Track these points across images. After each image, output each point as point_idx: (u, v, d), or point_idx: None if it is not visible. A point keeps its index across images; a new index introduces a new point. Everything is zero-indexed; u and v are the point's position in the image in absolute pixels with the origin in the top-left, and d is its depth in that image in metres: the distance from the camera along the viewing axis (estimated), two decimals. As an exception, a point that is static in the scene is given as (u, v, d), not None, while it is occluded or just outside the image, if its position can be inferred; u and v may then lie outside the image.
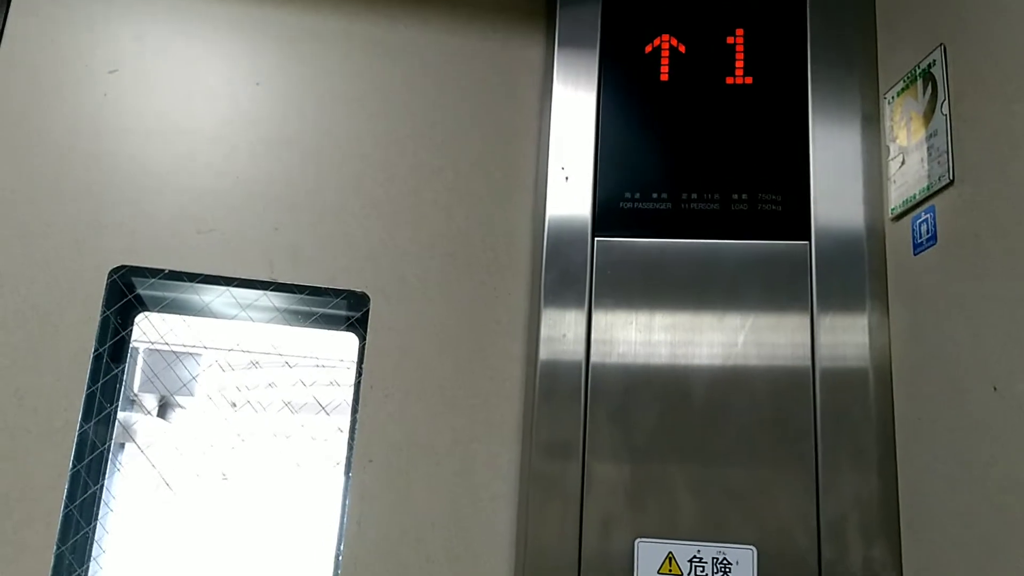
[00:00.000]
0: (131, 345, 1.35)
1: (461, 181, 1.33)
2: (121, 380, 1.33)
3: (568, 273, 1.20)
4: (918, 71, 1.13)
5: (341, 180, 1.32)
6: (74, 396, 1.21)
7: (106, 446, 1.29)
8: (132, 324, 1.36)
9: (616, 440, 1.15)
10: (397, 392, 1.26)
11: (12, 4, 1.34)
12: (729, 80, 1.24)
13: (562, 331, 1.18)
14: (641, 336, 1.17)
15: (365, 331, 1.31)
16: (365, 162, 1.34)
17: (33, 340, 1.23)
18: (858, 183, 1.19)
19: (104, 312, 1.25)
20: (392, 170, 1.33)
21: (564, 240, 1.20)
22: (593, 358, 1.16)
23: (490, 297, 1.29)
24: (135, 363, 1.53)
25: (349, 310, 1.34)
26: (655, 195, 1.21)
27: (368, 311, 1.30)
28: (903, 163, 1.14)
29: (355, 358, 1.34)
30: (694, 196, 1.20)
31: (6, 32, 1.34)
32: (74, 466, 1.20)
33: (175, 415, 1.77)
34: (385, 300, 1.28)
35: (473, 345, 1.27)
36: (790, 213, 1.19)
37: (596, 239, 1.20)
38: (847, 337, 1.15)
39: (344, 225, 1.31)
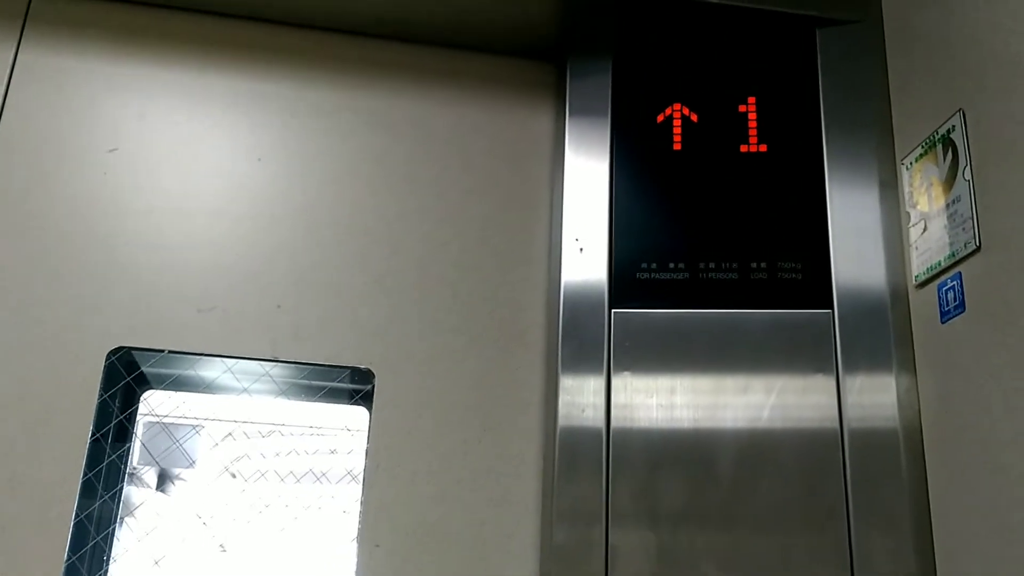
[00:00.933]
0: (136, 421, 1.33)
1: (468, 255, 1.32)
2: (125, 461, 1.29)
3: (586, 344, 1.17)
4: (937, 137, 1.12)
5: (344, 255, 1.30)
6: (71, 483, 1.17)
7: (109, 530, 1.25)
8: (137, 403, 1.32)
9: (640, 510, 1.11)
10: (404, 472, 1.22)
11: (12, 82, 1.34)
12: (743, 148, 1.23)
13: (581, 400, 1.15)
14: (663, 403, 1.14)
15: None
16: (369, 236, 1.32)
17: (29, 426, 1.19)
18: (879, 249, 1.18)
19: (102, 395, 1.21)
20: (397, 244, 1.32)
21: (581, 312, 1.19)
22: (614, 425, 1.13)
23: (500, 372, 1.26)
24: (135, 438, 1.49)
25: (356, 383, 1.31)
26: (672, 265, 1.19)
27: (374, 387, 1.27)
28: (925, 229, 1.13)
29: (364, 428, 1.30)
30: (712, 266, 1.19)
31: (5, 111, 1.33)
32: (69, 557, 1.15)
33: (175, 488, 1.72)
34: (392, 376, 1.25)
35: (483, 421, 1.24)
36: (811, 281, 1.18)
37: (613, 311, 1.18)
38: (875, 398, 1.13)
39: (348, 301, 1.28)
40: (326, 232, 1.32)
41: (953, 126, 1.08)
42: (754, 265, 1.19)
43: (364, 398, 1.29)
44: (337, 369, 1.29)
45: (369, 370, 1.27)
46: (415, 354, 1.27)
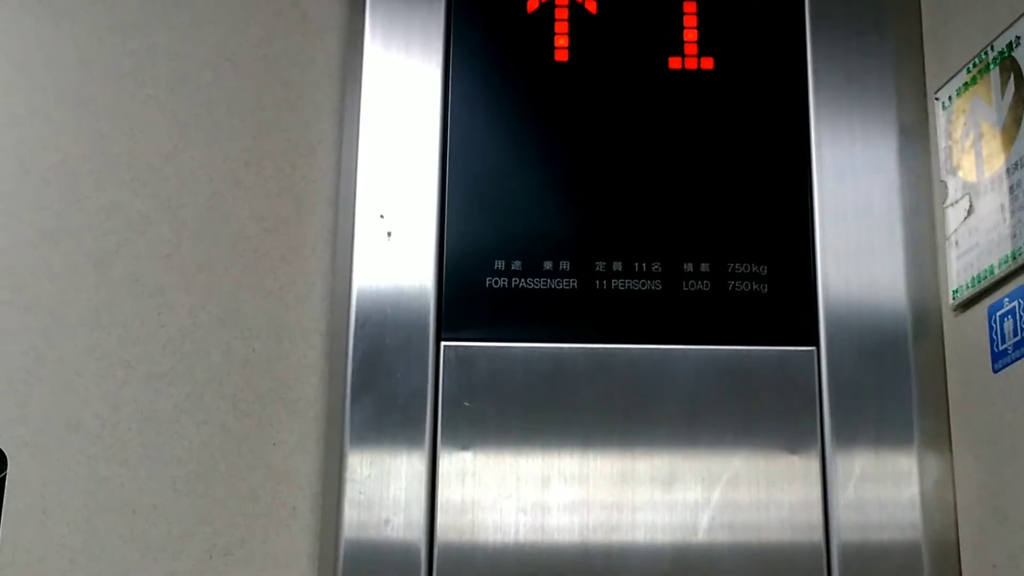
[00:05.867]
0: None
1: (186, 242, 0.86)
2: None
3: (392, 408, 0.79)
4: (992, 55, 0.87)
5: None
6: None
7: None
8: None
9: None
10: None
11: None
12: (675, 63, 0.89)
13: (383, 500, 0.77)
14: (528, 504, 0.79)
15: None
16: None
17: None
18: (894, 245, 0.86)
19: None
20: (60, 227, 0.85)
21: (387, 344, 0.80)
22: (441, 540, 0.77)
23: (240, 454, 0.82)
24: None
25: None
26: (548, 265, 0.83)
27: (3, 481, 0.79)
28: (970, 211, 0.85)
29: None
30: (617, 267, 0.83)
31: None
32: None
33: None
34: (36, 463, 0.79)
35: (209, 543, 0.79)
36: (782, 296, 0.84)
37: (444, 344, 0.81)
38: (884, 492, 0.81)
39: None
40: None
41: (1018, 37, 0.83)
42: (689, 267, 0.84)
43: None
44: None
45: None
46: (80, 424, 0.81)
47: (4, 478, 0.79)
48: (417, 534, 0.78)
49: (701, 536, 0.80)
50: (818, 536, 0.81)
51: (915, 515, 0.82)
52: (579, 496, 0.80)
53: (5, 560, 0.78)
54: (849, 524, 0.82)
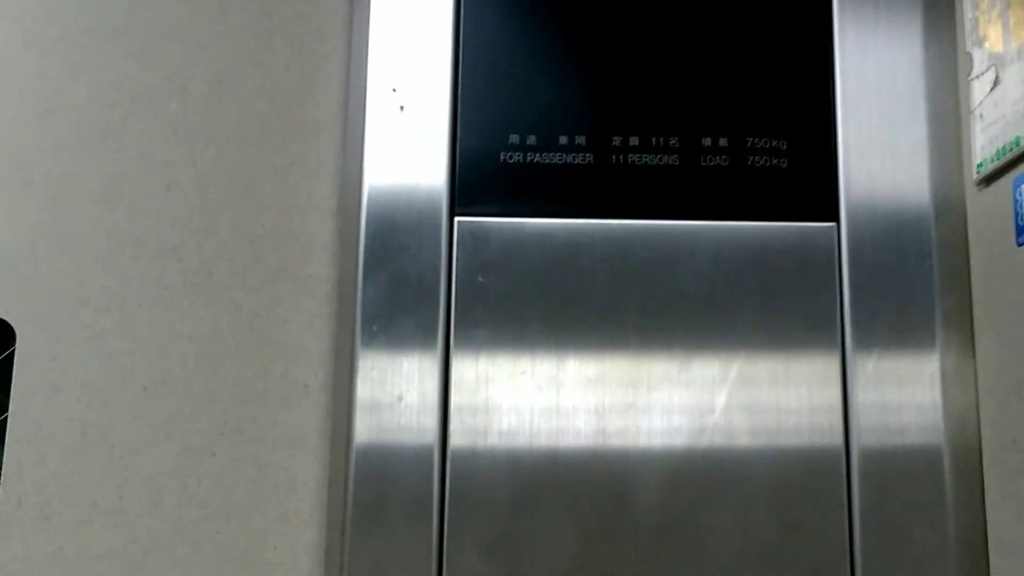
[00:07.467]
0: None
1: (193, 117, 0.83)
2: None
3: (405, 285, 0.76)
4: None
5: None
6: None
7: None
8: None
9: None
10: (68, 511, 0.76)
11: None
12: None
13: (395, 392, 0.73)
14: (543, 399, 0.75)
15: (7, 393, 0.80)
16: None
17: None
18: (918, 120, 0.80)
19: None
20: (64, 100, 0.82)
21: (398, 223, 0.77)
22: (454, 440, 0.73)
23: (251, 332, 0.80)
24: None
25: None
26: (564, 140, 0.78)
27: (12, 356, 0.79)
28: (996, 82, 0.79)
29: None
30: (634, 142, 0.78)
31: None
32: None
33: None
34: (45, 337, 0.78)
35: (219, 421, 0.78)
36: (802, 172, 0.79)
37: (457, 219, 0.77)
38: (904, 392, 0.76)
39: None
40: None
41: None
42: (707, 142, 0.79)
43: None
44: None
45: (2, 322, 0.80)
46: (89, 300, 0.79)
47: (13, 352, 0.79)
48: (431, 407, 0.75)
49: (713, 434, 0.76)
50: (837, 438, 0.76)
51: (935, 415, 0.77)
52: (594, 392, 0.76)
53: (16, 435, 0.77)
54: (869, 424, 0.76)
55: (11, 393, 0.77)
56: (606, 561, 0.74)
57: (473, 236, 0.77)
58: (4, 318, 0.80)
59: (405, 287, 0.76)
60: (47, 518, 0.76)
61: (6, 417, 0.78)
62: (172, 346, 0.79)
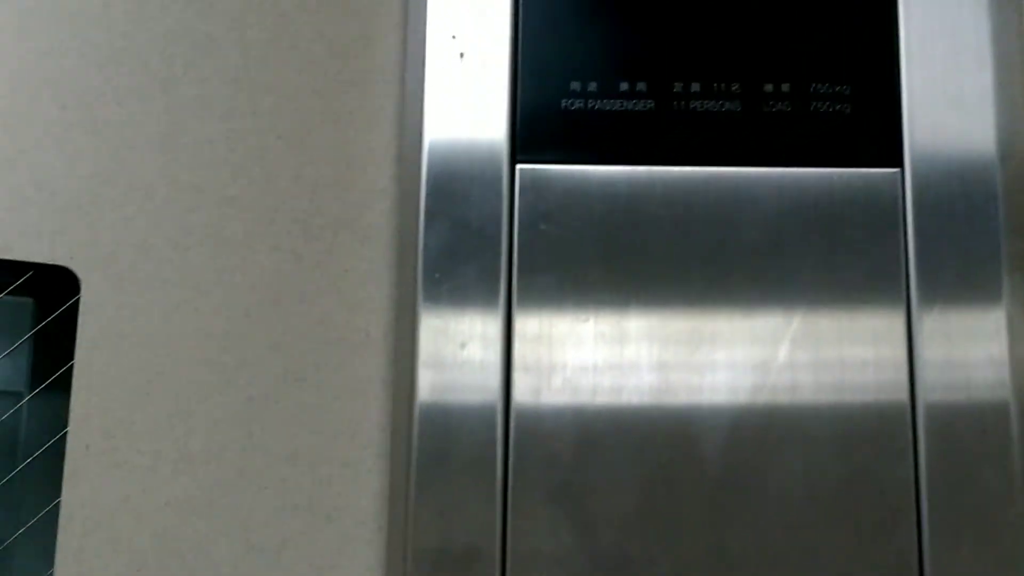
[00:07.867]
0: None
1: (253, 65, 0.82)
2: None
3: (466, 234, 0.74)
4: None
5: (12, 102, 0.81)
6: None
7: None
8: None
9: (562, 545, 0.72)
10: (135, 458, 0.76)
11: None
12: None
13: (458, 343, 0.73)
14: (606, 353, 0.74)
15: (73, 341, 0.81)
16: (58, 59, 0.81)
17: None
18: (983, 63, 0.78)
19: None
20: (126, 49, 0.81)
21: (459, 171, 0.75)
22: (517, 396, 0.72)
23: (312, 281, 0.79)
24: None
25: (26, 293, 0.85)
26: (625, 86, 0.76)
27: (78, 305, 0.79)
28: None
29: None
30: (695, 88, 0.76)
31: None
32: None
33: None
34: (109, 286, 0.78)
35: (282, 370, 0.78)
36: (866, 117, 0.77)
37: (518, 167, 0.75)
38: (973, 348, 0.74)
39: (27, 164, 0.79)
40: None
41: None
42: (769, 88, 0.76)
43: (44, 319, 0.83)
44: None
45: (69, 270, 0.79)
46: (152, 249, 0.79)
47: (78, 301, 0.80)
48: (493, 355, 0.74)
49: (775, 391, 0.74)
50: (901, 394, 0.74)
51: (1002, 371, 0.74)
52: (657, 346, 0.75)
53: (82, 383, 0.77)
54: (935, 381, 0.74)
55: (77, 341, 0.78)
56: (670, 508, 0.74)
57: (534, 183, 0.76)
58: (69, 266, 0.81)
59: (466, 235, 0.75)
60: (116, 466, 0.76)
61: (72, 365, 0.78)
62: (233, 295, 0.79)
